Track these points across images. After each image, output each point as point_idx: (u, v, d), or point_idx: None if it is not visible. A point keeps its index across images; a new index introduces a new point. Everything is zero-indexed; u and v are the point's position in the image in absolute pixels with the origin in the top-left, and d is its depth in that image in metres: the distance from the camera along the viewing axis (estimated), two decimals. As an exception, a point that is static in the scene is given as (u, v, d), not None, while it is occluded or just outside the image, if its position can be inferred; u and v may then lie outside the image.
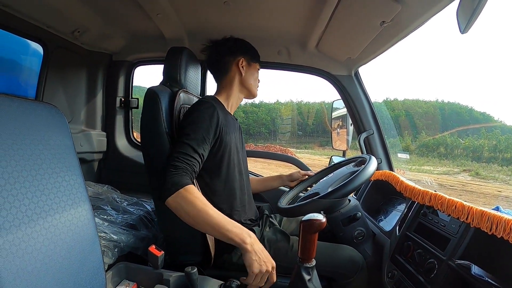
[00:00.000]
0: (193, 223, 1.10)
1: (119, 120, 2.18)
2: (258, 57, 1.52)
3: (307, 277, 1.00)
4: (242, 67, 1.45)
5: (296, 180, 1.69)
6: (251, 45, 1.50)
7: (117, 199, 1.77)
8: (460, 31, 0.98)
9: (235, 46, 1.47)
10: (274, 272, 1.12)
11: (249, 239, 1.10)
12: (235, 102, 1.50)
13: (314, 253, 0.99)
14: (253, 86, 1.50)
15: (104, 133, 2.15)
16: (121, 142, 2.19)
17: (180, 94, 1.40)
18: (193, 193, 1.08)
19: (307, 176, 1.69)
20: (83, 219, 0.92)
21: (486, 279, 0.86)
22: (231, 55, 1.45)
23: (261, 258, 1.09)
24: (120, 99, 2.16)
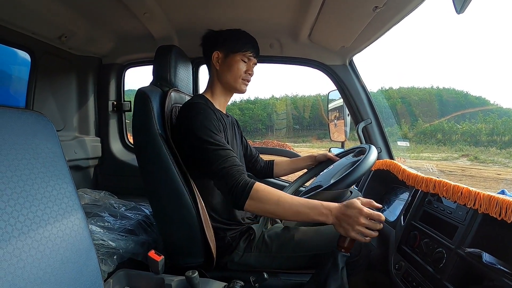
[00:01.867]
0: (274, 217, 1.16)
1: (113, 124, 2.14)
2: (242, 46, 1.35)
3: (341, 265, 1.04)
4: (217, 61, 1.35)
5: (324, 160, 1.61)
6: (232, 35, 1.36)
7: (115, 205, 1.73)
8: (456, 11, 0.94)
9: (210, 40, 1.38)
10: (373, 221, 1.03)
11: (329, 215, 1.05)
12: (223, 100, 1.41)
13: (353, 245, 1.05)
14: (230, 80, 1.36)
15: (98, 139, 2.11)
16: (116, 147, 2.14)
17: (171, 94, 1.36)
18: (263, 191, 1.09)
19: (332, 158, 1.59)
20: (77, 228, 0.87)
21: (499, 266, 0.82)
22: (208, 50, 1.37)
23: (348, 223, 1.03)
24: (112, 103, 2.12)
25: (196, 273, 1.02)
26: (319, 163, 1.62)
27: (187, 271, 1.02)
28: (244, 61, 1.36)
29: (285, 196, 1.09)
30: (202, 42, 1.40)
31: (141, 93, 1.26)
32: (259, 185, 1.10)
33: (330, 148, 1.92)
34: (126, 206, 1.74)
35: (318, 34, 1.63)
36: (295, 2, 1.40)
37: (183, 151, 1.26)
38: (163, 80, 1.40)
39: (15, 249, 0.71)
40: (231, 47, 1.34)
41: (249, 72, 1.38)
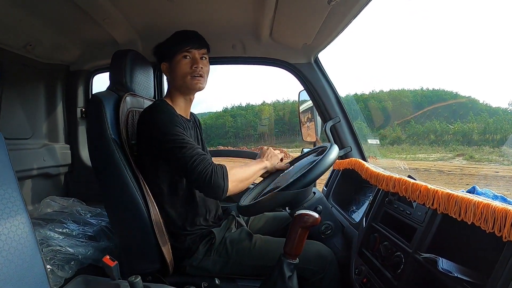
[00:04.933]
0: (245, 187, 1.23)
1: (82, 131, 2.03)
2: (177, 46, 1.25)
3: (288, 273, 0.95)
4: (167, 71, 1.29)
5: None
6: (167, 42, 1.29)
7: (81, 212, 1.64)
8: None
9: (156, 55, 1.33)
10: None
11: (263, 160, 1.30)
12: (183, 104, 1.31)
13: (301, 250, 0.95)
14: (180, 82, 1.26)
15: (68, 146, 2.01)
16: (86, 153, 2.02)
17: (127, 98, 1.30)
18: (233, 171, 1.16)
19: None
20: (20, 232, 0.83)
21: (455, 274, 0.68)
22: (160, 65, 1.32)
23: (269, 156, 1.32)
24: (81, 110, 2.01)
25: (139, 278, 0.97)
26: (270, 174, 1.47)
27: (130, 276, 0.97)
28: (186, 57, 1.25)
29: (240, 167, 1.21)
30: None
31: (94, 99, 1.22)
32: (229, 171, 1.14)
33: (302, 149, 1.80)
34: (92, 212, 1.66)
35: (278, 32, 1.51)
36: (251, 2, 1.30)
37: (149, 155, 1.21)
38: (118, 85, 1.33)
39: None
40: (170, 53, 1.26)
41: (195, 66, 1.24)
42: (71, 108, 2.00)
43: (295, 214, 0.94)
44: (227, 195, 1.11)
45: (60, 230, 1.39)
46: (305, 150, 1.73)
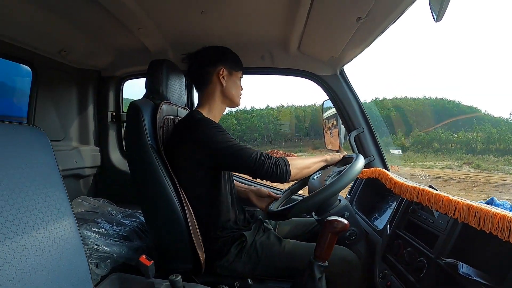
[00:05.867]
0: (305, 176, 1.37)
1: (112, 134, 2.12)
2: (241, 65, 1.43)
3: (318, 275, 1.02)
4: (223, 77, 1.36)
5: (264, 197, 1.57)
6: (233, 53, 1.41)
7: (112, 212, 1.72)
8: (434, 20, 0.93)
9: (215, 55, 1.38)
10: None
11: (324, 158, 1.42)
12: (217, 113, 1.42)
13: (330, 254, 1.03)
14: (235, 96, 1.41)
15: (98, 148, 2.11)
16: (115, 156, 2.13)
17: (163, 106, 1.37)
18: (293, 162, 1.28)
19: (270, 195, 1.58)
20: (68, 232, 0.91)
21: (475, 278, 0.78)
22: (211, 65, 1.36)
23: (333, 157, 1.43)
24: (111, 114, 2.11)
25: (179, 277, 1.03)
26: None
27: (171, 275, 1.03)
28: (241, 78, 1.45)
29: (307, 161, 1.35)
30: (196, 57, 1.41)
31: (133, 106, 1.28)
32: (289, 160, 1.27)
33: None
34: (123, 213, 1.74)
35: (307, 45, 1.60)
36: (283, 14, 1.38)
37: (190, 164, 1.28)
38: (155, 93, 1.41)
39: (10, 249, 0.75)
40: (234, 65, 1.40)
41: (241, 89, 1.46)
42: (102, 112, 2.09)
43: (326, 220, 1.03)
44: (290, 180, 1.27)
45: (96, 229, 1.46)
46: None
